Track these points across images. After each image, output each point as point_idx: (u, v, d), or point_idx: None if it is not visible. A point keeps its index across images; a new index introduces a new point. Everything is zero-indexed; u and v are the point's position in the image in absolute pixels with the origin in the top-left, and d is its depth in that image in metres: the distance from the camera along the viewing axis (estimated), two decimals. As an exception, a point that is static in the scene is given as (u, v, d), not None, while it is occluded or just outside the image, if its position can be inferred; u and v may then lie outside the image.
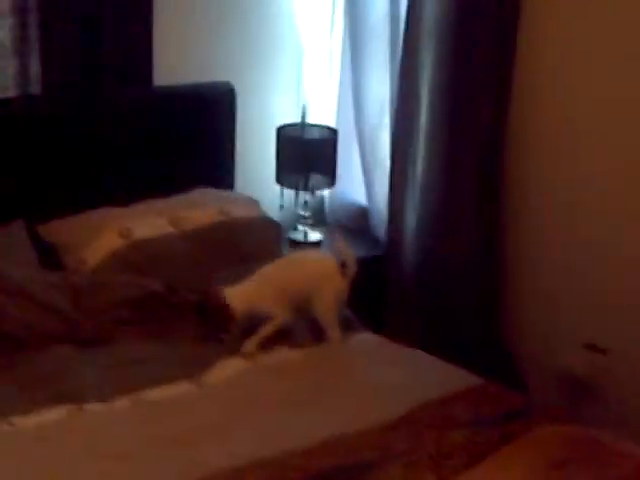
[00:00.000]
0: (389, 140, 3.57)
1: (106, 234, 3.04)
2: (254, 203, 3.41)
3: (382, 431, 2.31)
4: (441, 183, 3.38)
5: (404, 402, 2.44)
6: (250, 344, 2.70)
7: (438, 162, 3.37)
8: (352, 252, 2.89)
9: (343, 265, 2.82)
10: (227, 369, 2.62)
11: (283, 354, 2.74)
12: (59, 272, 2.95)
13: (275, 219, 3.52)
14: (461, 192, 3.36)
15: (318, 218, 3.81)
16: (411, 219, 3.51)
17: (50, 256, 3.06)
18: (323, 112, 3.85)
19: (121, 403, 2.45)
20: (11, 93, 3.20)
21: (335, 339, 2.77)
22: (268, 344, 2.72)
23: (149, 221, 3.11)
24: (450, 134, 3.33)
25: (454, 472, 2.14)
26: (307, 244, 3.66)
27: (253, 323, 2.74)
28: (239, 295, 2.71)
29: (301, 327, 2.81)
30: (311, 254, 3.04)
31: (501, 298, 3.43)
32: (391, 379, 2.58)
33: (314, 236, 3.70)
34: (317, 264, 2.88)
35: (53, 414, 2.37)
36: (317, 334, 2.78)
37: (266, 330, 2.73)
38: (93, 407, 2.41)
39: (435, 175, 3.40)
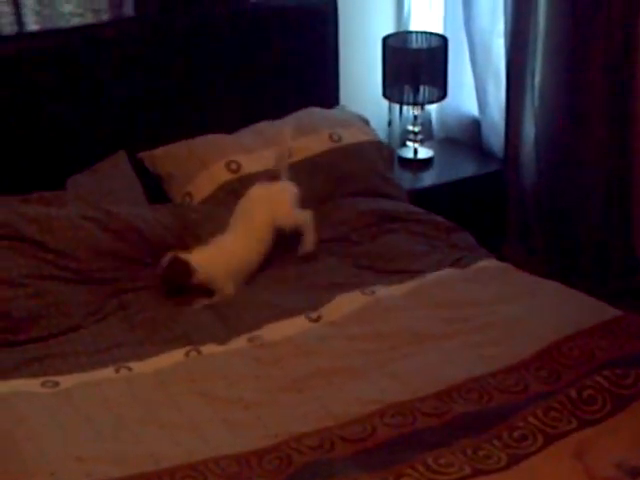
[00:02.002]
0: (503, 46, 3.32)
1: (214, 167, 2.92)
2: (365, 123, 3.23)
3: (517, 371, 2.16)
4: (566, 83, 3.13)
5: (538, 338, 2.26)
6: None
7: (562, 60, 3.11)
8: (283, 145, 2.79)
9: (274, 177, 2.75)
10: (345, 304, 2.48)
11: (400, 287, 2.58)
12: (167, 207, 2.84)
13: (383, 136, 3.34)
14: (589, 89, 3.09)
15: (427, 133, 3.61)
16: (529, 129, 3.30)
17: (154, 186, 2.96)
18: (430, 19, 3.61)
19: (238, 344, 2.35)
20: (105, 16, 3.06)
21: (312, 240, 2.70)
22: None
23: (258, 153, 2.97)
24: (575, 28, 3.06)
25: (596, 419, 1.98)
26: (417, 161, 3.48)
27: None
28: (211, 262, 2.59)
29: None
30: (243, 201, 2.76)
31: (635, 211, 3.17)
32: (521, 312, 2.40)
33: (424, 152, 3.50)
34: (255, 198, 2.73)
35: (170, 358, 2.29)
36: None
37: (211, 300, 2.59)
38: (210, 349, 2.33)
39: (558, 76, 3.14)
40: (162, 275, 2.57)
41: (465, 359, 2.22)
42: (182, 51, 3.10)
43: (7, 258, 2.52)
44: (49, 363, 2.30)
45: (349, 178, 3.00)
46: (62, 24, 2.99)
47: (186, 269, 2.55)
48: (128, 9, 3.09)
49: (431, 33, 3.47)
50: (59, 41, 2.96)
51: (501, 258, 2.79)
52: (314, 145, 3.02)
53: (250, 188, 2.75)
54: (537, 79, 3.22)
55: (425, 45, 3.43)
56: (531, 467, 1.87)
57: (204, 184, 2.89)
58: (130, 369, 2.26)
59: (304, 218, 2.71)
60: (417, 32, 3.48)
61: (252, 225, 2.68)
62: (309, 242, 2.69)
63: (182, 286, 2.58)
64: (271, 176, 2.79)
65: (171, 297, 2.58)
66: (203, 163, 2.93)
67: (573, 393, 2.05)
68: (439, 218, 2.93)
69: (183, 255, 2.57)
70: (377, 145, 3.14)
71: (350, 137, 3.08)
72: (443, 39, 3.40)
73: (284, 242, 2.72)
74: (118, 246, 2.63)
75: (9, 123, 2.87)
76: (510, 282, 2.57)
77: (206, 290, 2.60)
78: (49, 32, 2.98)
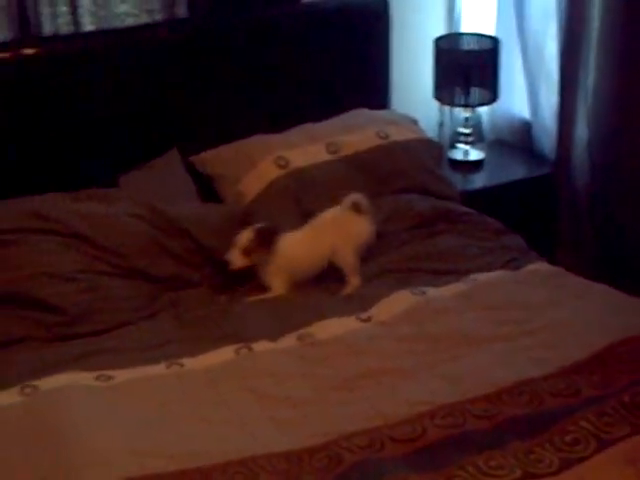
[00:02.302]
0: (556, 48, 3.30)
1: (262, 164, 2.93)
2: (413, 123, 3.23)
3: (569, 375, 2.14)
4: (620, 84, 3.09)
5: (590, 342, 2.25)
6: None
7: (616, 60, 3.07)
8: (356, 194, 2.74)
9: (356, 207, 2.71)
10: (395, 305, 2.48)
11: (450, 287, 2.57)
12: (218, 206, 2.86)
13: (434, 138, 3.33)
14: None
15: (477, 135, 3.60)
16: (582, 131, 3.27)
17: (206, 186, 2.98)
18: (482, 20, 3.59)
19: (288, 342, 2.36)
20: (159, 17, 3.09)
21: (355, 285, 2.64)
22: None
23: (305, 149, 2.98)
24: (629, 29, 3.02)
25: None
26: (468, 163, 3.46)
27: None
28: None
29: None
30: (321, 217, 2.76)
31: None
32: (572, 315, 2.38)
33: (475, 155, 3.49)
34: (330, 220, 2.72)
35: (221, 355, 2.31)
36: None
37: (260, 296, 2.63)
38: (261, 346, 2.34)
39: (612, 77, 3.11)
40: (253, 239, 2.58)
41: (516, 362, 2.21)
42: (233, 51, 3.11)
43: (61, 253, 2.56)
44: (103, 357, 2.33)
45: (397, 175, 3.00)
46: (117, 24, 3.03)
47: (274, 233, 2.60)
48: (181, 9, 3.12)
49: (483, 35, 3.45)
50: (113, 41, 2.99)
51: (552, 262, 2.77)
52: (361, 141, 3.02)
53: (335, 208, 2.73)
54: (590, 80, 3.19)
55: (477, 47, 3.42)
56: (583, 472, 1.85)
57: (254, 182, 2.91)
58: (181, 365, 2.28)
59: (355, 265, 2.67)
60: (469, 34, 3.47)
61: (317, 240, 2.69)
62: (352, 287, 2.65)
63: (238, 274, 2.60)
64: (356, 206, 2.73)
65: (225, 290, 2.61)
66: (252, 161, 2.95)
67: (626, 398, 2.03)
68: (490, 219, 2.92)
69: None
70: (426, 142, 3.14)
71: (398, 135, 3.08)
72: (495, 41, 3.39)
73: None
74: (168, 244, 2.65)
75: (63, 120, 2.91)
76: (561, 285, 2.55)
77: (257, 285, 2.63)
78: (104, 32, 3.02)
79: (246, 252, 2.59)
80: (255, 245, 2.59)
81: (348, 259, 2.68)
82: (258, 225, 2.63)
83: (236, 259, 2.59)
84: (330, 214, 2.74)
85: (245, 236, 2.60)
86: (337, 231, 2.70)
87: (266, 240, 2.61)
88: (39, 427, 2.03)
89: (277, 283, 2.64)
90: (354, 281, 2.66)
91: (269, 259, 2.63)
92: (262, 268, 2.64)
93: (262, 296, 2.61)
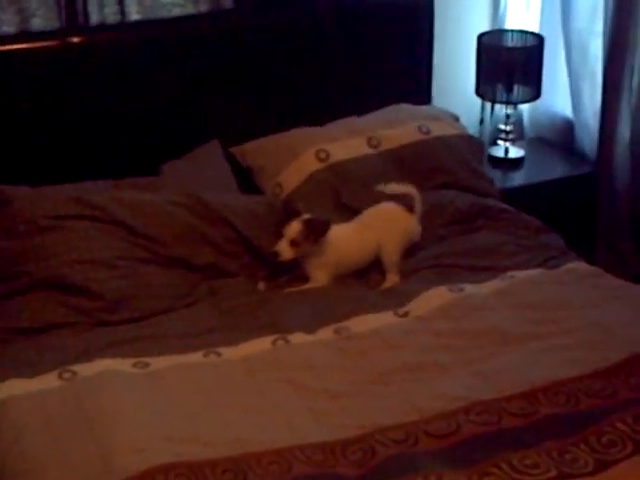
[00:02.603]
0: (601, 47, 3.27)
1: (303, 157, 2.94)
2: (454, 119, 3.22)
3: (606, 376, 2.13)
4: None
5: (628, 344, 2.23)
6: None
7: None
8: (413, 189, 2.77)
9: (408, 203, 2.75)
10: (433, 300, 2.48)
11: (488, 284, 2.56)
12: (258, 198, 2.87)
13: (475, 134, 3.32)
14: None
15: (518, 133, 3.58)
16: (625, 131, 3.25)
17: (246, 178, 3.00)
18: (526, 17, 3.57)
19: (325, 335, 2.37)
20: (204, 7, 3.11)
21: (394, 282, 2.65)
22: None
23: (346, 142, 2.99)
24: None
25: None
26: (508, 161, 3.45)
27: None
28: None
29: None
30: (371, 211, 2.79)
31: None
32: (610, 316, 2.37)
33: (515, 152, 3.47)
34: (381, 215, 2.76)
35: (258, 345, 2.32)
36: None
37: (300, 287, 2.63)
38: (297, 338, 2.35)
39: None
40: (302, 231, 2.58)
41: (552, 361, 2.20)
42: (277, 44, 3.12)
43: (100, 240, 2.57)
44: (140, 344, 2.35)
45: (438, 171, 2.99)
46: (163, 14, 3.05)
47: (326, 226, 2.60)
48: (227, 1, 3.13)
49: (527, 32, 3.43)
50: (159, 31, 3.02)
51: (590, 262, 2.75)
52: (402, 136, 3.02)
53: (386, 203, 2.76)
54: (635, 80, 3.16)
55: (520, 44, 3.40)
56: (619, 474, 1.85)
57: (294, 174, 2.91)
58: (219, 354, 2.29)
59: (397, 262, 2.69)
60: (513, 30, 3.45)
61: (366, 234, 2.71)
62: (390, 283, 2.66)
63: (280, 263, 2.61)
64: (407, 202, 2.77)
65: (266, 279, 2.63)
66: (293, 153, 2.96)
67: (664, 400, 2.02)
68: (529, 217, 2.91)
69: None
70: (467, 139, 3.13)
71: (439, 130, 3.07)
72: (539, 38, 3.37)
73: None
74: (208, 234, 2.66)
75: (108, 109, 2.94)
76: (600, 286, 2.54)
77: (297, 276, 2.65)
78: (150, 22, 3.04)
79: (294, 243, 2.59)
80: (303, 237, 2.60)
81: (392, 256, 2.68)
82: (307, 216, 2.63)
83: (285, 250, 2.59)
84: (380, 208, 2.75)
85: (294, 227, 2.60)
86: (386, 226, 2.71)
87: (314, 232, 2.61)
88: (76, 412, 2.06)
89: (321, 275, 2.64)
90: (393, 278, 2.66)
91: (317, 251, 2.63)
92: (307, 259, 2.64)
93: (302, 287, 2.62)
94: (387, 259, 2.68)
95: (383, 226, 2.71)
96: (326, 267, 2.64)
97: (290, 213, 2.65)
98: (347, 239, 2.68)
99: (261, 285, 2.64)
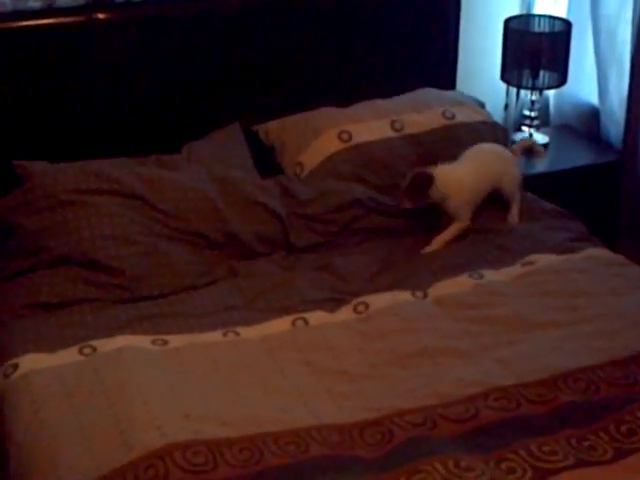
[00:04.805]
0: (630, 34, 3.23)
1: (325, 136, 2.92)
2: (480, 105, 3.19)
3: (627, 365, 2.12)
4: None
5: (649, 333, 2.22)
6: (436, 245, 2.70)
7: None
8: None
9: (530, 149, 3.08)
10: (453, 286, 2.48)
11: (508, 270, 2.55)
12: (275, 178, 2.85)
13: (499, 120, 3.29)
14: None
15: (543, 119, 3.55)
16: (651, 123, 3.21)
17: (266, 159, 2.99)
18: (554, 2, 3.53)
19: (345, 315, 2.37)
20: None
21: (516, 214, 2.82)
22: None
23: (369, 124, 2.97)
24: None
25: None
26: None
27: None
28: (448, 179, 2.73)
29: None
30: (491, 145, 2.94)
31: None
32: (632, 305, 2.36)
33: (540, 138, 3.44)
34: (501, 151, 2.92)
35: (277, 325, 2.33)
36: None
37: (451, 233, 2.73)
38: (317, 318, 2.35)
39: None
40: (405, 188, 2.71)
41: (573, 349, 2.19)
42: (301, 27, 3.09)
43: (121, 215, 2.56)
44: (159, 322, 2.35)
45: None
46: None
47: (428, 181, 2.68)
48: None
49: (555, 17, 3.40)
50: (184, 9, 2.98)
51: (612, 250, 2.73)
52: (425, 121, 3.00)
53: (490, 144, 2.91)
54: (663, 69, 3.12)
55: (548, 29, 3.36)
56: (637, 463, 1.84)
57: (315, 154, 2.90)
58: (237, 334, 2.29)
59: (517, 191, 2.84)
60: (541, 15, 3.41)
61: (483, 167, 2.81)
62: (515, 215, 2.82)
63: (423, 204, 2.72)
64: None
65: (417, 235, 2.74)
66: (316, 133, 2.94)
67: (685, 391, 2.00)
68: (549, 205, 2.90)
69: (427, 169, 2.72)
70: (491, 125, 3.09)
71: (464, 116, 3.05)
72: (567, 24, 3.33)
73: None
74: (230, 208, 2.64)
75: (132, 86, 2.93)
76: (622, 274, 2.52)
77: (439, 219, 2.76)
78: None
79: (407, 195, 2.70)
80: (412, 189, 2.70)
81: (514, 187, 2.84)
82: (416, 170, 2.73)
83: (402, 200, 2.72)
84: (487, 147, 2.89)
85: (405, 179, 2.72)
86: (502, 161, 2.86)
87: (418, 186, 2.69)
88: (96, 387, 2.07)
89: (462, 215, 2.74)
90: (516, 210, 2.81)
91: (445, 196, 2.71)
92: (443, 206, 2.73)
93: (451, 229, 2.71)
94: (509, 190, 2.83)
95: (499, 160, 2.87)
96: (463, 206, 2.74)
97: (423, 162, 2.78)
98: (467, 174, 2.77)
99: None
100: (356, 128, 2.95)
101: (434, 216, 2.76)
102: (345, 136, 2.93)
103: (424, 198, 2.71)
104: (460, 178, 2.75)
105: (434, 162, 2.75)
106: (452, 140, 2.97)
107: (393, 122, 2.98)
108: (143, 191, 2.61)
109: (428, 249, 2.69)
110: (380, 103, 3.08)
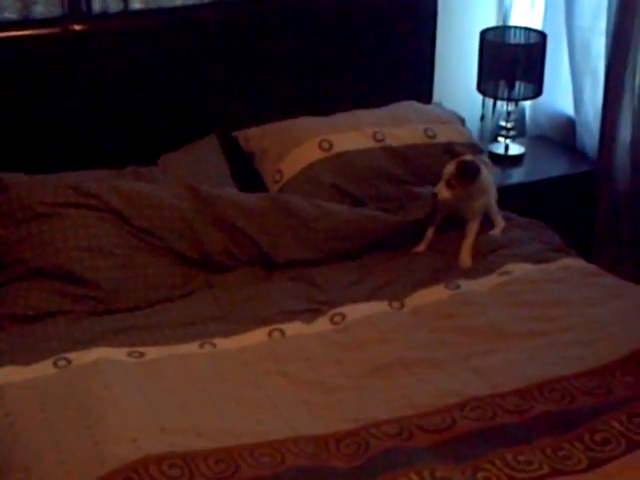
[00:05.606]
0: (604, 46, 3.26)
1: (306, 145, 2.93)
2: (460, 122, 3.19)
3: (602, 374, 2.13)
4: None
5: (624, 343, 2.23)
6: (466, 257, 2.67)
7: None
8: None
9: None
10: (429, 297, 2.49)
11: (484, 280, 2.57)
12: (258, 194, 2.81)
13: (475, 131, 3.31)
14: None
15: (519, 130, 3.57)
16: (625, 132, 3.24)
17: (245, 165, 2.99)
18: (530, 14, 3.56)
19: (321, 326, 2.37)
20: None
21: (501, 224, 2.82)
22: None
23: (350, 134, 2.98)
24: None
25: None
26: (508, 158, 3.44)
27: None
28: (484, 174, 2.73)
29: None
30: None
31: None
32: (607, 315, 2.37)
33: (516, 149, 3.47)
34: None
35: (254, 337, 2.33)
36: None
37: (472, 235, 2.71)
38: (294, 329, 2.35)
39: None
40: (452, 176, 2.64)
41: (548, 358, 2.20)
42: (279, 36, 3.11)
43: (98, 228, 2.56)
44: (135, 334, 2.34)
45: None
46: (166, 3, 3.03)
47: (477, 170, 2.66)
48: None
49: (530, 29, 3.43)
50: (161, 20, 3.01)
51: (588, 260, 2.75)
52: (407, 136, 3.00)
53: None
54: (637, 81, 3.15)
55: (524, 41, 3.39)
56: (612, 472, 1.85)
57: (295, 162, 2.90)
58: (214, 345, 2.29)
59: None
60: (516, 27, 3.44)
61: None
62: (501, 226, 2.81)
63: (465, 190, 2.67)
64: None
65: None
66: (296, 141, 2.95)
67: (659, 400, 2.02)
68: (524, 219, 2.90)
69: (473, 158, 2.73)
70: (470, 147, 3.03)
71: (444, 136, 3.04)
72: (542, 35, 3.36)
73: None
74: (206, 228, 2.62)
75: (108, 98, 2.93)
76: (597, 284, 2.54)
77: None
78: (152, 11, 3.02)
79: (450, 185, 2.66)
80: (457, 179, 2.65)
81: (493, 201, 2.83)
82: (461, 158, 2.69)
83: (442, 191, 2.67)
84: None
85: (449, 169, 2.67)
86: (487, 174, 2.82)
87: (465, 175, 2.65)
88: (71, 400, 2.06)
89: (481, 215, 2.74)
90: (501, 221, 2.81)
91: (472, 193, 2.69)
92: (465, 202, 2.71)
93: (471, 234, 2.70)
94: (493, 205, 2.82)
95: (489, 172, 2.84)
96: (483, 208, 2.74)
97: (453, 154, 2.74)
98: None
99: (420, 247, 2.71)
100: (337, 137, 2.96)
101: (415, 228, 2.75)
102: (326, 145, 2.93)
103: (469, 187, 2.66)
104: (488, 177, 2.77)
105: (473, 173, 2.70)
106: (432, 157, 2.96)
107: (375, 133, 2.98)
108: (120, 206, 2.60)
109: (463, 262, 2.66)
110: (362, 114, 3.09)
